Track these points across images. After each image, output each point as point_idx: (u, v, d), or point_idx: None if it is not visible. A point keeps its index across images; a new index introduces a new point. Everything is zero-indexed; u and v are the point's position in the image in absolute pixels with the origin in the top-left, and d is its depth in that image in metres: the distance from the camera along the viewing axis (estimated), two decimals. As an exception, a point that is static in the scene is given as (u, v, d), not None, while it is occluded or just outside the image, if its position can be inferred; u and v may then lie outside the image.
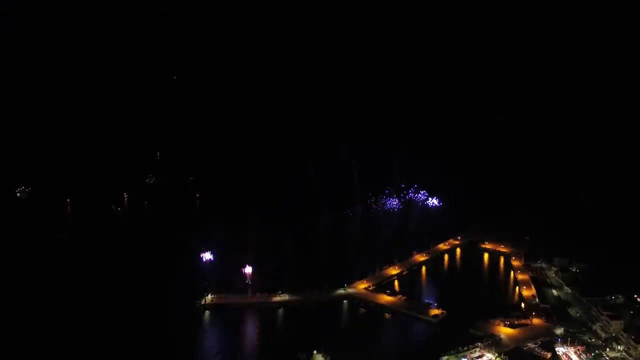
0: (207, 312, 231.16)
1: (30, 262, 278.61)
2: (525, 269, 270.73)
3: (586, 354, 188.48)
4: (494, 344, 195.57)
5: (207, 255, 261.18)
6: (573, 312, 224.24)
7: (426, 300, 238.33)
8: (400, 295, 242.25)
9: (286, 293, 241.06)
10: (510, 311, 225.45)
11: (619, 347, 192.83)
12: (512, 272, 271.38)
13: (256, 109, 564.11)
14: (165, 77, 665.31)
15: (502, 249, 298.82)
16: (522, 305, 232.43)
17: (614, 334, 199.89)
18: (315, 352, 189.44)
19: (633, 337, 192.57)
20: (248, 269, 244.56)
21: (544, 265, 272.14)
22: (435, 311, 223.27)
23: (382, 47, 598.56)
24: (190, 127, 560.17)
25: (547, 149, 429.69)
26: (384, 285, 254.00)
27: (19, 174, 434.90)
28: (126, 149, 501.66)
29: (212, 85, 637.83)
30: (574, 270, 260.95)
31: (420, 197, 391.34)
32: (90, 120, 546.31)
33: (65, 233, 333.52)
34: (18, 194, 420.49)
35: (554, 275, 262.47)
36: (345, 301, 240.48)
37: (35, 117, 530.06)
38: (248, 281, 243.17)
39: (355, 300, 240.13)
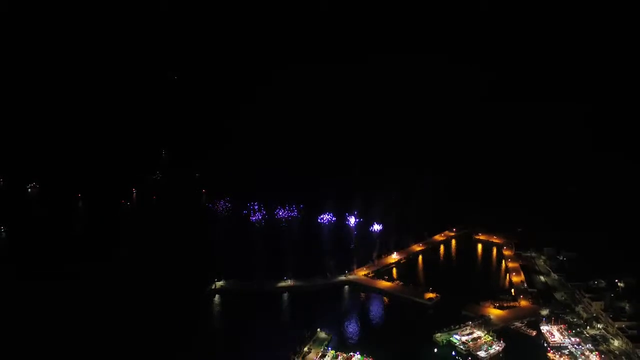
0: (216, 296, 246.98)
1: (45, 253, 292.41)
2: (515, 257, 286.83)
3: (568, 331, 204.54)
4: (484, 323, 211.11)
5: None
6: (558, 295, 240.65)
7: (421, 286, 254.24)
8: (398, 281, 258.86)
9: (290, 279, 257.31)
10: (500, 295, 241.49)
11: (598, 326, 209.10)
12: (503, 261, 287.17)
13: (256, 111, 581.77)
14: (170, 77, 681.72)
15: (495, 239, 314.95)
16: (512, 290, 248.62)
17: (594, 314, 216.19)
18: (318, 329, 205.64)
19: (611, 316, 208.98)
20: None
21: (533, 254, 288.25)
22: (430, 295, 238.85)
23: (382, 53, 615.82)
24: (193, 125, 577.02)
25: (538, 143, 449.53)
26: (383, 272, 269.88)
27: (30, 170, 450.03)
28: (133, 147, 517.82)
29: (212, 86, 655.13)
30: (561, 258, 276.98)
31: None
32: (98, 119, 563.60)
33: (78, 225, 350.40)
34: (29, 190, 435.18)
35: (542, 263, 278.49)
36: (346, 286, 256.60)
37: (46, 117, 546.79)
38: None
39: (356, 285, 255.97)
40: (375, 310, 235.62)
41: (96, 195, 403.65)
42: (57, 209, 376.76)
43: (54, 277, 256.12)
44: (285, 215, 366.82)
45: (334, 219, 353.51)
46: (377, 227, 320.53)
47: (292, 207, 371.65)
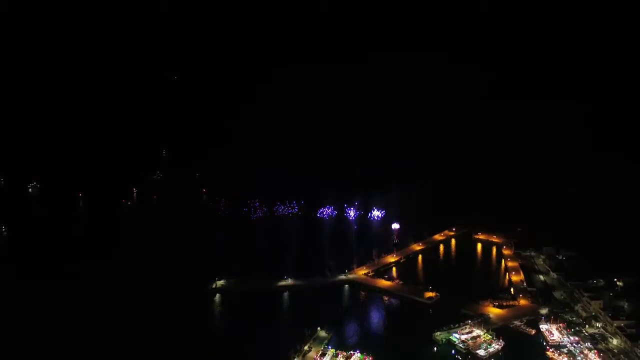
0: (217, 295, 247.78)
1: (45, 253, 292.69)
2: (515, 257, 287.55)
3: (567, 330, 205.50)
4: (483, 322, 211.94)
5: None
6: (557, 294, 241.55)
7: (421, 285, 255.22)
8: (398, 280, 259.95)
9: (290, 278, 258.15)
10: (500, 294, 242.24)
11: (597, 324, 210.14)
12: (502, 260, 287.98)
13: (256, 111, 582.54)
14: (170, 77, 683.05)
15: (495, 239, 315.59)
16: (511, 289, 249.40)
17: (593, 313, 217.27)
18: (319, 328, 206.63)
19: (610, 314, 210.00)
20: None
21: (533, 253, 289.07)
22: (429, 294, 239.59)
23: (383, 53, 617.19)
24: (193, 125, 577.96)
25: (538, 143, 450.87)
26: (383, 272, 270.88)
27: (31, 170, 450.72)
28: (134, 147, 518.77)
29: (212, 86, 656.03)
30: (560, 257, 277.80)
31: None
32: (98, 119, 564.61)
33: (80, 225, 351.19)
34: (30, 190, 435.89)
35: (541, 262, 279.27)
36: (346, 285, 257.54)
37: (47, 116, 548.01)
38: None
39: (356, 284, 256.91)
40: (375, 309, 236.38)
41: (97, 195, 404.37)
42: (58, 208, 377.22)
43: (54, 277, 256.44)
44: (287, 212, 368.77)
45: (334, 212, 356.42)
46: (377, 213, 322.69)
47: (293, 204, 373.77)
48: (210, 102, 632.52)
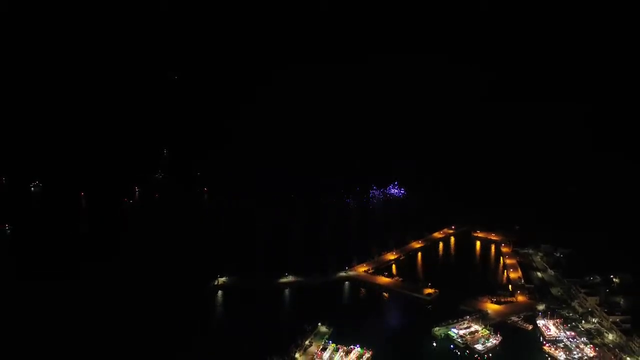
0: (219, 292, 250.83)
1: (46, 253, 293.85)
2: (513, 254, 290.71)
3: (563, 326, 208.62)
4: (481, 317, 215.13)
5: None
6: (555, 291, 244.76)
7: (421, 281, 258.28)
8: (397, 277, 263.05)
9: (291, 275, 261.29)
10: (498, 290, 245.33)
11: (593, 320, 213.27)
12: (501, 258, 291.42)
13: (256, 111, 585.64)
14: (170, 77, 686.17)
15: (493, 237, 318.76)
16: (509, 285, 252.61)
17: (589, 309, 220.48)
18: (319, 324, 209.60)
19: (606, 310, 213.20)
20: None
21: (531, 251, 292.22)
22: (428, 290, 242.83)
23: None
24: (193, 125, 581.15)
25: (538, 143, 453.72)
26: (382, 269, 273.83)
27: (32, 169, 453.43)
28: (135, 146, 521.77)
29: (212, 86, 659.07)
30: (558, 255, 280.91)
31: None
32: (100, 119, 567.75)
33: (80, 224, 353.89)
34: (32, 189, 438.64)
35: (539, 260, 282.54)
36: (346, 282, 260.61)
37: (49, 116, 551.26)
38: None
39: (356, 281, 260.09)
40: (375, 305, 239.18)
41: (99, 194, 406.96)
42: (60, 207, 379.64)
43: (55, 276, 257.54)
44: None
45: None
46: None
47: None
48: (210, 102, 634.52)
